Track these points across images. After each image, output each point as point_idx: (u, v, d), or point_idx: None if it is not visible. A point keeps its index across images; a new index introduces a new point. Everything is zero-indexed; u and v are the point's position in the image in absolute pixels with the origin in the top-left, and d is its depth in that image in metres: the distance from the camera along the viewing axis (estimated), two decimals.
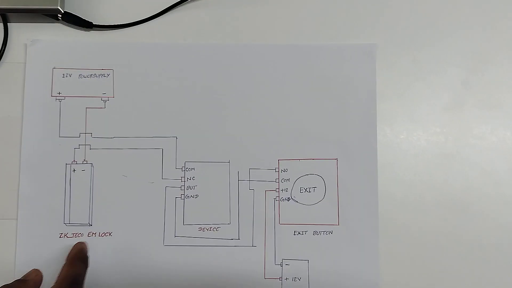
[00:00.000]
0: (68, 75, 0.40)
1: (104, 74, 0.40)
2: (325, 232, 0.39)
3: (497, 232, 0.39)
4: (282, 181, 0.39)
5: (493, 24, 0.41)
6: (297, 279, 0.38)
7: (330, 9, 0.41)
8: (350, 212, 0.39)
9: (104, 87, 0.40)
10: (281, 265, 0.38)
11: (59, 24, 0.41)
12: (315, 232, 0.39)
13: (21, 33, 0.41)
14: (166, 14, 0.41)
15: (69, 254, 0.37)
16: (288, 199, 0.39)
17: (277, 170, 0.39)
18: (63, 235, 0.38)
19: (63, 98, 0.39)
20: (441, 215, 0.39)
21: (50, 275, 0.38)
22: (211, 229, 0.39)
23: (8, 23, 0.40)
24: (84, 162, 0.39)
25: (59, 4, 0.38)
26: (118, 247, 0.38)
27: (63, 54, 0.40)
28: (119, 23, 0.41)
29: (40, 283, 0.35)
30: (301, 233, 0.39)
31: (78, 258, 0.36)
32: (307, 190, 0.39)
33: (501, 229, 0.39)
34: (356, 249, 0.38)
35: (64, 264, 0.35)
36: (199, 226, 0.39)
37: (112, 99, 0.40)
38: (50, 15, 0.40)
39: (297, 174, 0.39)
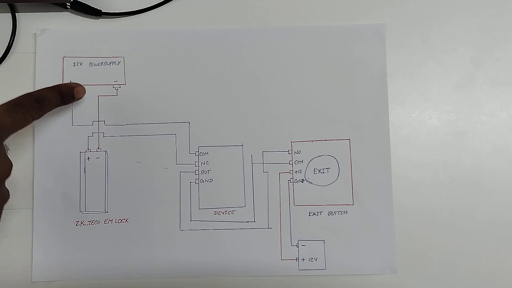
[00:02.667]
0: (78, 64, 0.40)
1: (115, 62, 0.40)
2: (340, 212, 0.39)
3: (510, 208, 0.40)
4: (296, 162, 0.39)
5: (503, 2, 0.41)
6: (313, 259, 0.39)
7: None
8: (364, 192, 0.39)
9: (116, 75, 0.40)
10: (297, 246, 0.39)
11: (67, 12, 0.41)
12: (330, 213, 0.39)
13: (29, 23, 0.41)
14: (174, 0, 0.41)
15: (58, 84, 0.37)
16: (302, 180, 0.39)
17: (290, 152, 0.40)
18: (79, 223, 0.39)
19: None
20: (454, 192, 0.40)
21: (68, 263, 0.38)
22: (227, 212, 0.39)
23: (16, 13, 0.40)
24: (98, 150, 0.39)
25: None
26: (135, 233, 0.39)
27: (73, 43, 0.40)
28: (128, 11, 0.40)
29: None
30: (316, 213, 0.39)
31: (59, 90, 0.35)
32: (321, 171, 0.39)
33: None
34: (371, 228, 0.39)
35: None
36: (215, 210, 0.39)
37: (124, 87, 0.40)
38: (59, 4, 0.40)
39: (310, 156, 0.39)
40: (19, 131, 0.32)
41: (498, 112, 0.40)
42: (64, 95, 0.36)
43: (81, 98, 0.38)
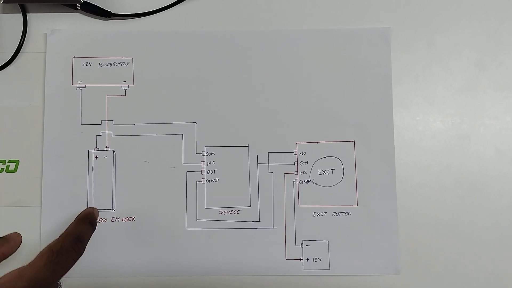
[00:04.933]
0: (88, 64, 0.40)
1: (123, 63, 0.40)
2: (344, 213, 0.39)
3: None
4: (301, 163, 0.40)
5: (507, 6, 0.42)
6: (317, 259, 0.39)
7: None
8: (369, 193, 0.39)
9: (124, 75, 0.40)
10: (302, 246, 0.39)
11: (77, 13, 0.41)
12: (334, 213, 0.39)
13: (40, 23, 0.41)
14: (183, 2, 0.42)
15: (78, 215, 0.36)
16: (307, 181, 0.40)
17: (295, 153, 0.40)
18: None
19: (84, 86, 0.40)
20: (457, 194, 0.40)
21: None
22: (232, 212, 0.39)
23: (27, 13, 0.41)
24: (106, 148, 0.40)
25: None
26: (141, 231, 0.39)
27: (82, 43, 0.41)
28: (137, 12, 0.41)
29: (19, 245, 0.34)
30: (320, 214, 0.39)
31: (85, 219, 0.35)
32: (326, 172, 0.40)
33: None
34: (375, 229, 0.39)
35: (71, 223, 0.35)
36: (220, 209, 0.39)
37: (132, 87, 0.40)
38: (69, 5, 0.40)
39: (315, 157, 0.40)
40: None
41: (502, 116, 0.41)
42: (92, 222, 0.35)
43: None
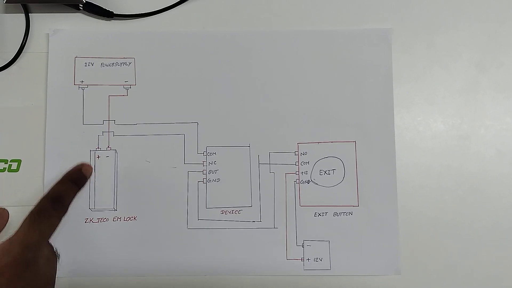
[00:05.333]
0: (90, 64, 0.40)
1: (125, 63, 0.41)
2: (345, 213, 0.40)
3: None
4: (302, 164, 0.40)
5: (508, 7, 0.42)
6: (318, 259, 0.39)
7: None
8: (369, 194, 0.40)
9: (126, 75, 0.40)
10: (303, 246, 0.39)
11: (80, 14, 0.42)
12: (335, 213, 0.40)
13: (42, 23, 0.41)
14: (185, 3, 0.42)
15: (66, 173, 0.36)
16: (308, 181, 0.40)
17: (296, 153, 0.40)
18: (88, 220, 0.39)
19: (86, 86, 0.40)
20: (458, 195, 0.40)
21: (77, 260, 0.39)
22: (233, 212, 0.40)
23: (29, 14, 0.41)
24: (108, 148, 0.40)
25: None
26: (143, 231, 0.39)
27: (85, 44, 0.41)
28: (139, 13, 0.41)
29: (7, 219, 0.35)
30: (321, 214, 0.40)
31: (70, 178, 0.35)
32: (327, 172, 0.40)
33: None
34: (375, 230, 0.39)
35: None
36: (222, 209, 0.40)
37: (134, 87, 0.40)
38: (72, 5, 0.41)
39: (317, 157, 0.40)
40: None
41: (502, 117, 0.41)
42: (76, 180, 0.36)
43: (91, 174, 0.37)
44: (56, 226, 0.32)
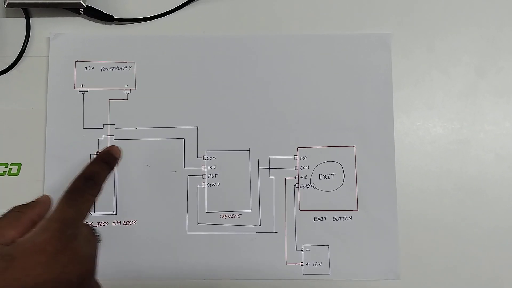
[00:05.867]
0: (90, 68, 0.41)
1: (126, 67, 0.41)
2: (344, 218, 0.40)
3: None
4: (302, 168, 0.40)
5: (507, 12, 0.42)
6: (318, 264, 0.39)
7: None
8: (369, 198, 0.40)
9: (126, 79, 0.41)
10: (302, 251, 0.39)
11: (80, 18, 0.42)
12: (334, 218, 0.40)
13: (43, 27, 0.41)
14: (185, 7, 0.42)
15: (97, 154, 0.37)
16: (308, 186, 0.40)
17: (296, 157, 0.40)
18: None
19: (86, 90, 0.40)
20: (457, 199, 0.40)
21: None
22: (233, 216, 0.40)
23: (30, 18, 0.41)
24: None
25: None
26: (142, 235, 0.39)
27: (85, 48, 0.41)
28: (140, 17, 0.41)
29: (50, 205, 0.34)
30: (321, 219, 0.40)
31: (101, 159, 0.35)
32: (326, 177, 0.40)
33: None
34: (375, 234, 0.39)
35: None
36: (221, 213, 0.40)
37: (134, 91, 0.41)
38: (72, 9, 0.41)
39: (316, 162, 0.40)
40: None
41: (501, 121, 0.41)
42: (107, 160, 0.36)
43: (120, 155, 0.37)
44: (92, 205, 0.32)
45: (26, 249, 0.27)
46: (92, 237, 0.32)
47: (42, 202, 0.33)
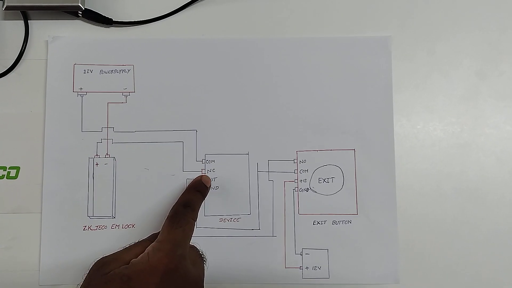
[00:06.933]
0: (89, 71, 0.40)
1: (124, 70, 0.41)
2: (344, 222, 0.39)
3: None
4: (301, 172, 0.40)
5: (508, 16, 0.42)
6: (317, 267, 0.39)
7: (346, 2, 0.42)
8: (369, 202, 0.39)
9: (125, 83, 0.40)
10: (301, 254, 0.39)
11: (79, 21, 0.42)
12: (334, 222, 0.39)
13: (41, 30, 0.41)
14: (184, 10, 0.42)
15: (189, 184, 0.39)
16: (307, 189, 0.40)
17: (295, 161, 0.40)
18: (86, 227, 0.39)
19: (85, 93, 0.40)
20: (457, 203, 0.40)
21: (75, 267, 0.39)
22: (232, 219, 0.40)
23: (28, 20, 0.41)
24: (107, 156, 0.40)
25: (80, 1, 0.39)
26: (141, 239, 0.39)
27: (84, 51, 0.41)
28: (139, 20, 0.41)
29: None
30: (320, 222, 0.39)
31: (194, 187, 0.37)
32: (326, 180, 0.40)
33: None
34: (375, 238, 0.39)
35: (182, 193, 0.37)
36: (220, 217, 0.40)
37: (133, 94, 0.40)
38: (71, 12, 0.41)
39: (316, 165, 0.40)
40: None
41: (502, 125, 0.41)
42: (199, 189, 0.37)
43: (210, 184, 0.39)
44: (193, 228, 0.33)
45: (141, 270, 0.28)
46: (199, 259, 0.33)
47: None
